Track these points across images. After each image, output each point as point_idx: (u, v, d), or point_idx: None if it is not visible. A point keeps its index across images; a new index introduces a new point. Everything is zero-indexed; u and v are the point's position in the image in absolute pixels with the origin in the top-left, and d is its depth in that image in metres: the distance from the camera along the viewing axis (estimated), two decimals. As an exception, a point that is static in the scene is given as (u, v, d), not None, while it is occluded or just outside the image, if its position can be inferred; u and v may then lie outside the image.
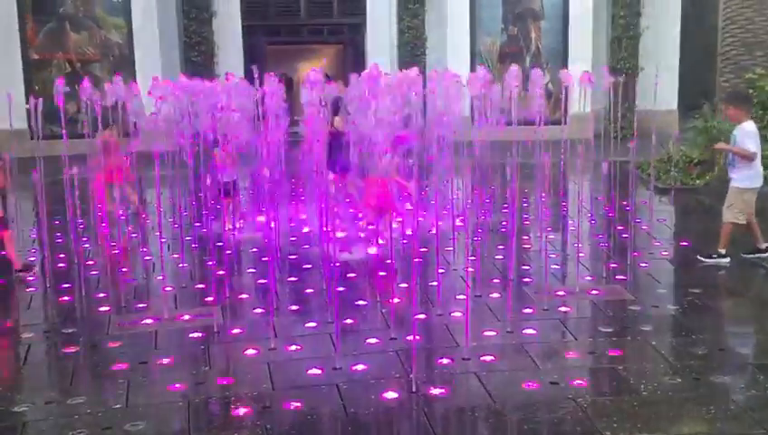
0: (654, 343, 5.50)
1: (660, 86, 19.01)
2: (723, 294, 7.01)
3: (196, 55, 17.97)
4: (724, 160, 7.69)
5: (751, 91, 11.52)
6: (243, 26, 18.82)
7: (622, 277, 7.10)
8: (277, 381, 4.91)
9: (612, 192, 9.08)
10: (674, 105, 19.33)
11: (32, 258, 8.12)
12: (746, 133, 7.38)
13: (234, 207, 9.36)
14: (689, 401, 4.60)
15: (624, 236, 8.33)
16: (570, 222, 9.58)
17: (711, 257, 7.46)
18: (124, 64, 17.40)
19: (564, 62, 18.22)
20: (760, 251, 7.55)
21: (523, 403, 4.60)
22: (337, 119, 9.66)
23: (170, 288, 6.94)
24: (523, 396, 4.69)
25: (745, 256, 7.55)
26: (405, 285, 6.76)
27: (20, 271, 7.43)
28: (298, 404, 4.57)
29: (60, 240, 8.62)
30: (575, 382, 4.83)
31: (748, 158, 7.33)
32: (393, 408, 4.59)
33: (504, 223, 9.17)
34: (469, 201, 9.86)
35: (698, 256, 7.56)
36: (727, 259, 7.42)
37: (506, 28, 19.12)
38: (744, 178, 7.43)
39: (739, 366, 5.16)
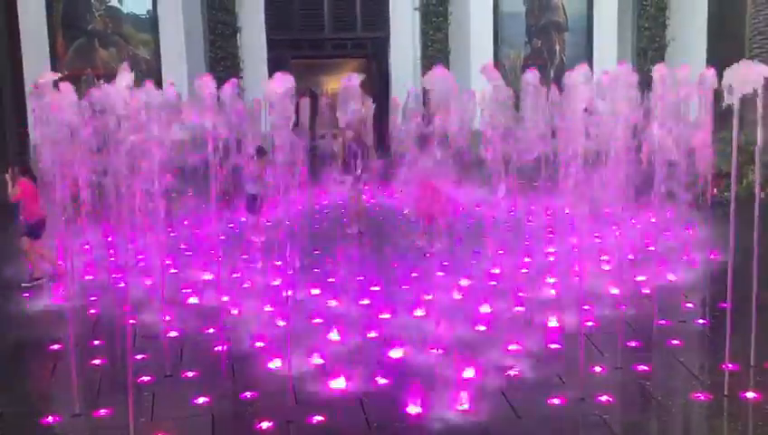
0: (682, 359, 5.41)
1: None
2: (753, 308, 6.86)
3: (222, 70, 18.19)
4: None
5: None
6: (267, 41, 19.03)
7: (648, 291, 7.00)
8: (300, 395, 4.90)
9: (639, 205, 8.96)
10: (701, 116, 19.12)
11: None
12: None
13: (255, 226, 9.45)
14: (719, 419, 4.52)
15: (651, 248, 8.21)
16: (596, 234, 9.48)
17: None
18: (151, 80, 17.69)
19: (589, 75, 18.11)
20: None
21: (548, 418, 4.55)
22: (349, 132, 9.74)
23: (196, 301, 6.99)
24: (549, 411, 4.64)
25: None
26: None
27: (36, 279, 7.61)
28: (321, 418, 4.58)
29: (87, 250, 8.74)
30: (602, 398, 4.76)
31: None
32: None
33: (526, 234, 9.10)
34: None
35: None
36: None
37: (530, 41, 19.09)
38: None
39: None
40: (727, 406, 4.67)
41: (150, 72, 17.98)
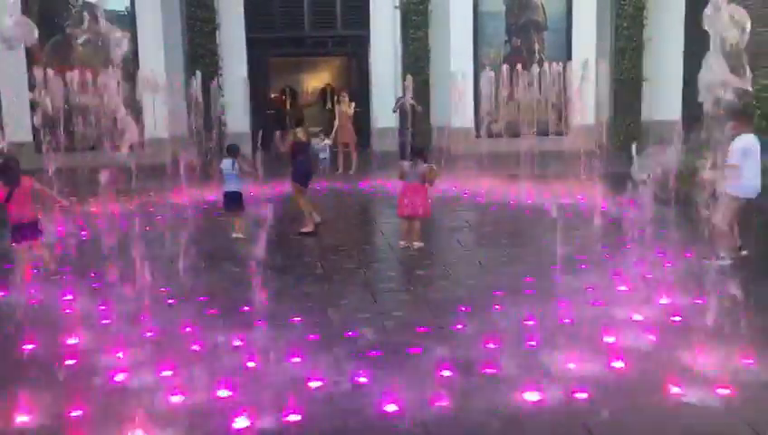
0: (658, 355, 5.46)
1: (664, 96, 19.11)
2: (728, 304, 6.92)
3: (200, 67, 18.07)
4: None
5: (756, 102, 11.51)
6: (247, 38, 18.93)
7: (624, 289, 7.06)
8: (279, 395, 4.89)
9: (615, 204, 9.04)
10: (678, 115, 19.29)
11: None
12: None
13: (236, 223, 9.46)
14: (697, 417, 4.56)
15: (627, 247, 8.26)
16: (573, 232, 9.53)
17: None
18: (129, 77, 17.53)
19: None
20: None
21: (526, 415, 4.58)
22: (299, 130, 9.86)
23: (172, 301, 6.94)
24: (526, 408, 4.67)
25: None
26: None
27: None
28: (298, 417, 4.56)
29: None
30: (579, 396, 4.79)
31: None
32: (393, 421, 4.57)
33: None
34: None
35: None
36: None
37: (510, 40, 19.18)
38: None
39: (747, 381, 5.08)
40: (703, 403, 4.72)
41: (128, 69, 17.84)
